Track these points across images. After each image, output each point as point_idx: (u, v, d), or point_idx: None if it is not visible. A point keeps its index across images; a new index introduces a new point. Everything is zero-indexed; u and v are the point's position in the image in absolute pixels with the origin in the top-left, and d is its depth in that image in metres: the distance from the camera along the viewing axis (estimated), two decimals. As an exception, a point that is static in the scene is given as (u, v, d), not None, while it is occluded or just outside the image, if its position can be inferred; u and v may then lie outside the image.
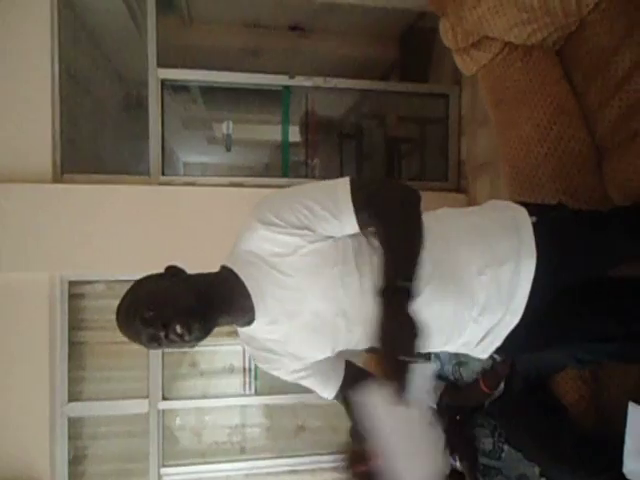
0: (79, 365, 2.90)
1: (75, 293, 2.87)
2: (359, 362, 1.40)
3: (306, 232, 1.08)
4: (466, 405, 2.09)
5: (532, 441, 1.80)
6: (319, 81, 3.12)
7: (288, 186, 1.21)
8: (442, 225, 1.20)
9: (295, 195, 1.13)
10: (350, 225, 1.09)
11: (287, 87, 3.15)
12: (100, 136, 3.38)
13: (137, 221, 2.70)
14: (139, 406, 2.94)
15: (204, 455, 3.18)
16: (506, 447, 1.96)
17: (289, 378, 1.27)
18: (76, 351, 2.89)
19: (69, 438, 2.87)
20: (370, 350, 1.25)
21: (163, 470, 3.00)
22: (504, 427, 1.96)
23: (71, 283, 2.84)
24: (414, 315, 0.94)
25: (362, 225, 1.09)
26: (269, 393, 3.10)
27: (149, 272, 1.18)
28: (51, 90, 2.71)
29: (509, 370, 1.93)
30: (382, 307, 0.95)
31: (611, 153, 1.73)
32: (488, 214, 1.26)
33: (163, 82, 2.92)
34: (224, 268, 1.17)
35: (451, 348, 1.27)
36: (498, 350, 1.26)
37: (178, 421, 3.16)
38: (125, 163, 3.20)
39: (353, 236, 1.12)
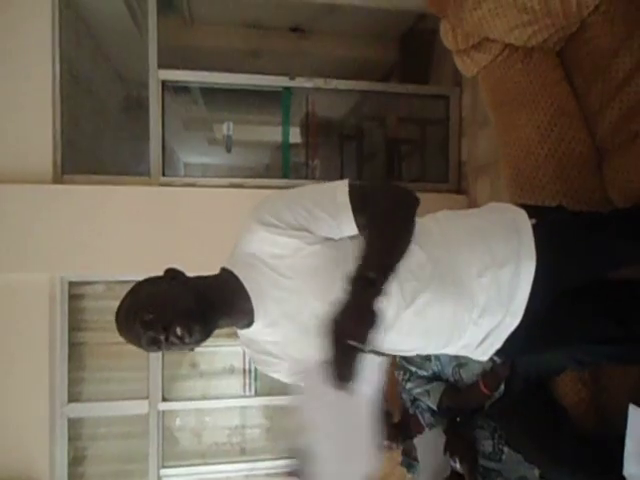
0: (79, 366, 2.91)
1: (75, 294, 2.87)
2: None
3: (305, 233, 1.08)
4: (466, 407, 2.09)
5: (532, 443, 1.80)
6: (319, 82, 3.12)
7: (288, 187, 1.21)
8: (442, 227, 1.20)
9: (294, 197, 1.13)
10: (348, 227, 1.09)
11: (288, 88, 3.15)
12: (100, 137, 3.38)
13: (137, 222, 2.70)
14: (139, 407, 2.94)
15: (204, 456, 3.18)
16: (506, 449, 1.96)
17: (289, 380, 1.27)
18: (76, 352, 2.89)
19: (69, 439, 2.87)
20: (371, 351, 1.25)
21: (163, 471, 3.00)
22: (504, 429, 1.95)
23: (71, 284, 2.85)
24: (377, 309, 0.91)
25: (360, 227, 1.09)
26: (269, 394, 3.11)
27: (149, 273, 1.18)
28: (52, 91, 2.71)
29: (509, 372, 1.93)
30: (346, 294, 0.93)
31: (611, 155, 1.73)
32: (488, 216, 1.26)
33: (164, 83, 2.92)
34: (224, 270, 1.17)
35: (451, 350, 1.26)
36: (498, 352, 1.26)
37: (178, 422, 3.16)
38: (125, 164, 3.20)
39: (353, 238, 1.12)
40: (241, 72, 3.08)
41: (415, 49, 3.93)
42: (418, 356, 2.14)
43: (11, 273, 2.64)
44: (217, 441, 3.20)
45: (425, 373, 2.18)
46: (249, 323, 1.16)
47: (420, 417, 2.19)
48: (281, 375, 1.26)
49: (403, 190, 1.12)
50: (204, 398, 3.12)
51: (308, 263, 1.09)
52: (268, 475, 3.15)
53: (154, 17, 2.88)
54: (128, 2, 3.13)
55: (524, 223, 1.20)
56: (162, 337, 1.05)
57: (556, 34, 1.84)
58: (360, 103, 3.77)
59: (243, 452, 3.22)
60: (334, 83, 3.15)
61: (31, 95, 2.67)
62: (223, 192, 2.88)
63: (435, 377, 2.18)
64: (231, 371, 3.15)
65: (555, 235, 1.20)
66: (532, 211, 1.24)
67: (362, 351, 0.87)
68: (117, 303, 1.13)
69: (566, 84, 1.88)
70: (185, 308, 1.06)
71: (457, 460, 1.99)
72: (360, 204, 1.08)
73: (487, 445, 2.00)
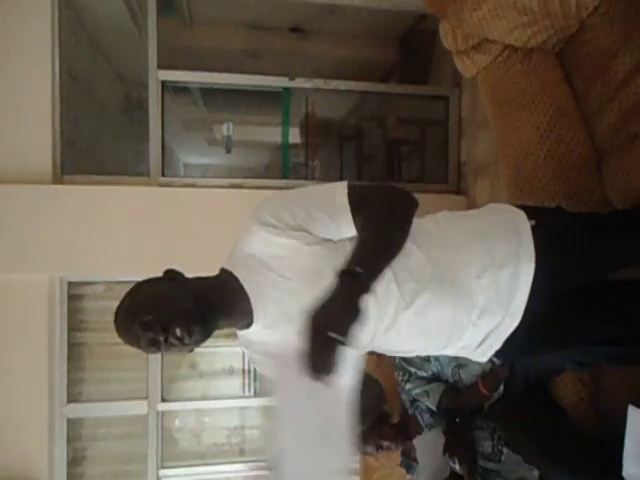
0: (78, 366, 2.91)
1: (74, 294, 2.87)
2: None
3: (304, 234, 1.08)
4: (465, 407, 2.09)
5: (531, 444, 1.79)
6: (319, 83, 3.12)
7: (288, 188, 1.21)
8: (441, 228, 1.20)
9: (294, 198, 1.14)
10: (347, 228, 1.09)
11: (287, 89, 3.15)
12: (100, 137, 3.38)
13: (137, 222, 2.70)
14: (138, 407, 2.94)
15: (203, 457, 3.18)
16: (505, 450, 1.96)
17: (288, 381, 1.27)
18: (75, 352, 2.89)
19: (68, 439, 2.87)
20: (371, 352, 1.25)
21: (162, 472, 3.00)
22: (503, 429, 1.95)
23: (70, 284, 2.84)
24: (361, 304, 0.90)
25: (359, 228, 1.09)
26: (268, 395, 3.10)
27: (149, 273, 1.18)
28: (51, 91, 2.71)
29: (508, 373, 1.93)
30: (332, 288, 0.92)
31: (611, 156, 1.73)
32: (487, 217, 1.26)
33: (163, 83, 2.92)
34: (224, 271, 1.17)
35: (450, 351, 1.26)
36: (497, 353, 1.26)
37: (177, 422, 3.16)
38: (125, 164, 3.20)
39: (352, 239, 1.12)
40: (241, 72, 3.08)
41: (415, 50, 3.93)
42: (417, 357, 2.14)
43: (11, 273, 2.64)
44: (216, 442, 3.20)
45: (424, 374, 2.18)
46: (248, 324, 1.16)
47: (419, 418, 2.19)
48: (280, 376, 1.26)
49: (402, 192, 1.13)
50: (203, 399, 3.12)
51: (307, 264, 1.09)
52: (267, 476, 3.15)
53: (154, 17, 2.88)
54: (128, 2, 3.13)
55: (523, 224, 1.20)
56: (161, 338, 1.05)
57: (555, 35, 1.85)
58: (360, 104, 3.77)
59: (242, 453, 3.22)
60: (334, 84, 3.15)
61: (31, 95, 2.67)
62: (223, 192, 2.88)
63: (434, 378, 2.18)
64: (230, 372, 3.15)
65: (554, 236, 1.20)
66: (531, 212, 1.24)
67: (342, 344, 0.86)
68: (116, 303, 1.13)
69: (565, 85, 1.88)
70: (184, 309, 1.07)
71: (456, 461, 1.99)
72: (359, 206, 1.08)
73: (486, 446, 2.00)
